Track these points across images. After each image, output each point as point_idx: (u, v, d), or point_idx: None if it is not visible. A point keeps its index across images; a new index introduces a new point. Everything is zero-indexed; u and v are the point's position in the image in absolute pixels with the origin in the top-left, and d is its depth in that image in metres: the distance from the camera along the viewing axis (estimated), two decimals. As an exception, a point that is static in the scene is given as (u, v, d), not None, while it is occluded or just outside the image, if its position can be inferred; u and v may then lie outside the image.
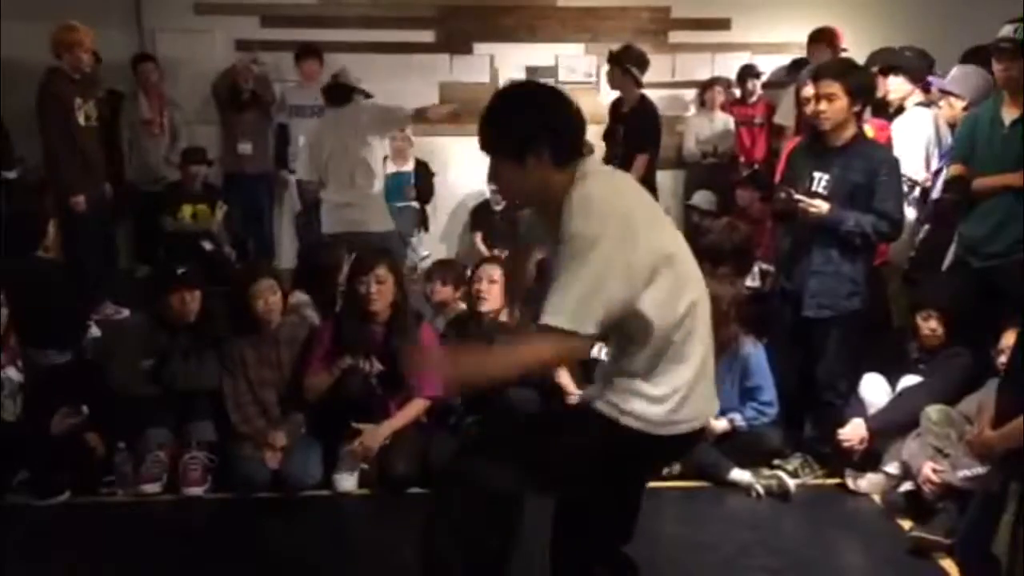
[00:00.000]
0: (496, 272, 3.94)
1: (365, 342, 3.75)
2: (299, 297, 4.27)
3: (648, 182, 5.33)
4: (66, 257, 5.34)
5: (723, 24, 7.17)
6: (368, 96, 5.09)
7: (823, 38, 5.44)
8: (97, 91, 5.52)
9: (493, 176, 2.21)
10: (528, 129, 2.07)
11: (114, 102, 6.42)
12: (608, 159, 5.97)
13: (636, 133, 5.39)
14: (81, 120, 5.20)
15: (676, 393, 2.16)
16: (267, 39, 6.89)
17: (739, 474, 3.68)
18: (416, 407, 3.80)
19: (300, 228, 6.95)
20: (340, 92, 4.93)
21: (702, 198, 6.17)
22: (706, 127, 6.76)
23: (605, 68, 5.66)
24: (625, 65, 5.36)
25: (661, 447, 2.22)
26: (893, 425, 3.57)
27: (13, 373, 3.75)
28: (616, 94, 5.69)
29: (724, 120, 6.80)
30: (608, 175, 2.22)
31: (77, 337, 4.56)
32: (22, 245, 4.60)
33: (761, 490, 3.62)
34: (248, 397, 3.81)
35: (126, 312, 5.41)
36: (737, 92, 6.82)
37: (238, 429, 3.77)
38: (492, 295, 3.94)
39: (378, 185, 4.99)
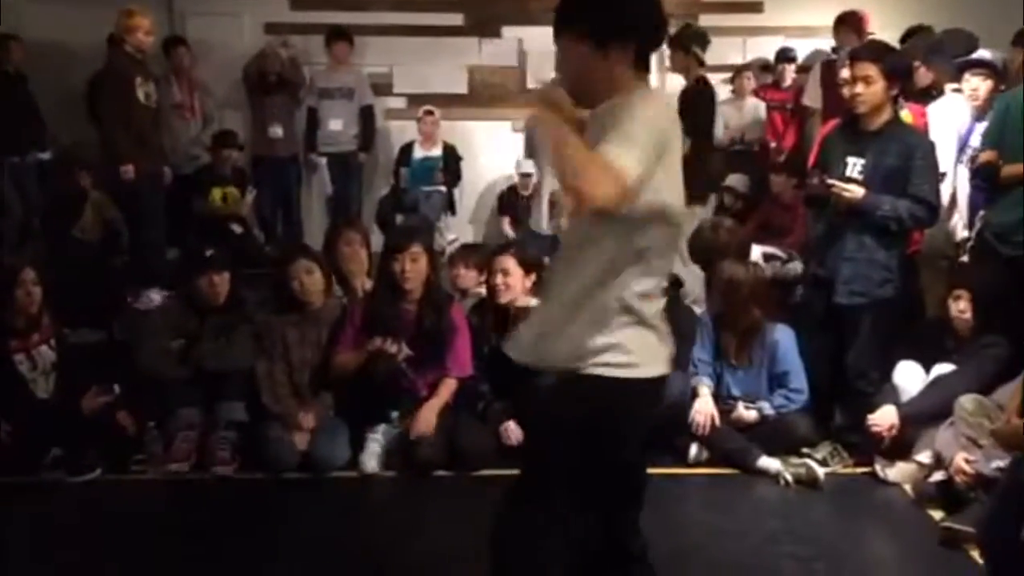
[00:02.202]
0: (510, 263, 3.91)
1: (396, 321, 3.76)
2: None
3: (700, 164, 5.28)
4: (124, 235, 5.44)
5: (755, 7, 7.07)
6: None
7: (849, 22, 5.34)
8: (153, 73, 5.60)
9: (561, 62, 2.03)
10: (628, 15, 1.93)
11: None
12: None
13: (689, 117, 5.29)
14: (142, 98, 5.30)
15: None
16: (296, 22, 6.89)
17: (767, 462, 3.65)
18: (449, 387, 3.82)
19: (330, 211, 6.99)
20: None
21: (737, 180, 6.11)
22: (735, 114, 6.67)
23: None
24: (688, 46, 5.25)
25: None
26: (925, 413, 3.52)
27: (46, 351, 3.80)
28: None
29: (754, 106, 6.71)
30: None
31: (111, 317, 4.62)
32: (58, 226, 4.67)
33: (790, 478, 3.59)
34: (282, 377, 3.84)
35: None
36: (770, 77, 6.71)
37: (269, 409, 3.80)
38: (508, 287, 3.91)
39: None
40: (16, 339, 3.73)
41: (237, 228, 6.27)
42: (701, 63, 5.31)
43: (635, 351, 2.00)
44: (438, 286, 3.95)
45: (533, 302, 3.79)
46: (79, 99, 6.20)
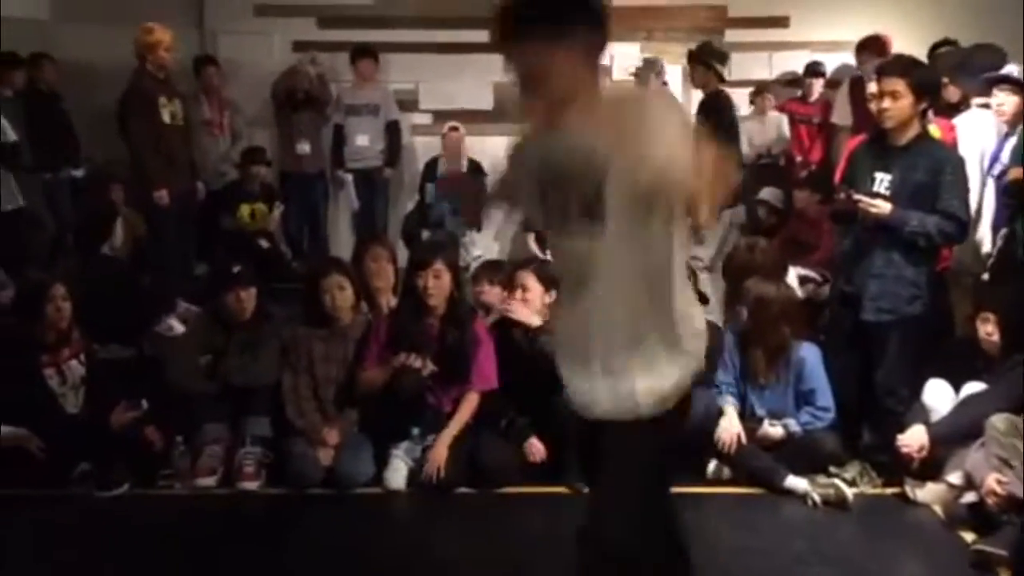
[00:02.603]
0: (530, 279, 3.90)
1: (421, 337, 3.77)
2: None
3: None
4: (151, 253, 5.49)
5: (781, 22, 7.04)
6: None
7: (872, 46, 5.33)
8: (180, 90, 5.64)
9: (519, 74, 1.85)
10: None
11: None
12: None
13: (710, 127, 5.31)
14: (166, 118, 5.32)
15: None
16: (324, 40, 6.96)
17: (795, 481, 3.60)
18: (470, 404, 3.81)
19: (357, 227, 7.04)
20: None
21: (771, 194, 6.09)
22: (759, 129, 6.64)
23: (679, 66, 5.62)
24: (708, 61, 5.29)
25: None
26: (956, 433, 3.46)
27: (76, 366, 3.85)
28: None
29: (777, 121, 6.68)
30: None
31: (140, 333, 4.68)
32: (89, 242, 4.74)
33: (817, 498, 3.54)
34: (307, 392, 3.86)
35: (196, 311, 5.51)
36: (797, 91, 6.68)
37: (294, 423, 3.82)
38: (527, 302, 3.89)
39: None
40: (46, 354, 3.78)
41: (264, 243, 6.33)
42: (721, 79, 5.34)
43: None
44: (462, 301, 3.95)
45: (536, 320, 3.79)
46: (111, 117, 6.27)
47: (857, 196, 3.50)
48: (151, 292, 4.84)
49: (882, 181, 3.52)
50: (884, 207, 3.45)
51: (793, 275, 4.35)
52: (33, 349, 3.76)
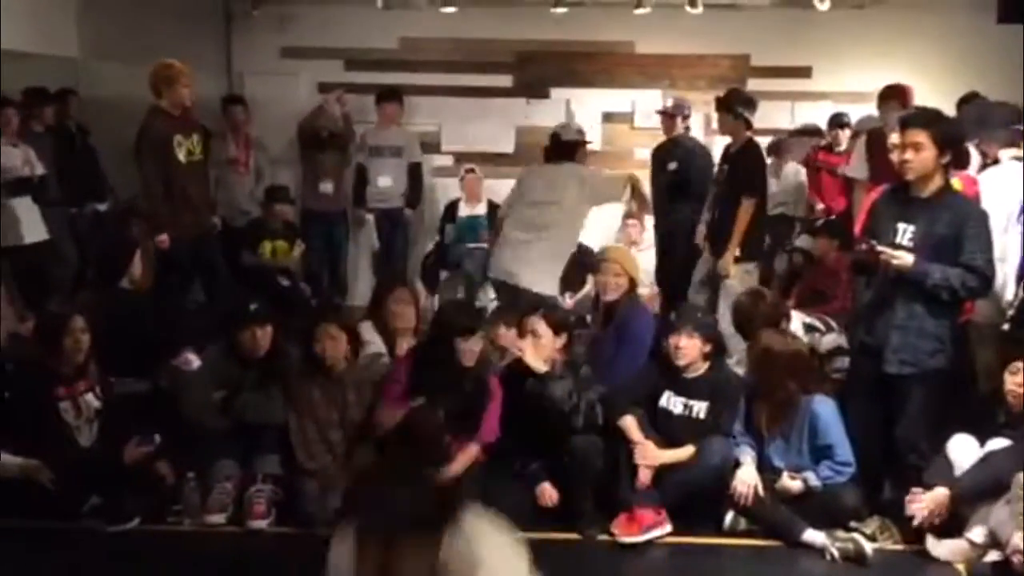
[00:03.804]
0: (540, 325, 3.88)
1: (443, 388, 3.76)
2: (366, 330, 4.32)
3: (756, 227, 5.28)
4: (160, 289, 5.47)
5: (804, 72, 7.09)
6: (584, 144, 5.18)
7: (894, 95, 5.33)
8: (198, 126, 5.53)
9: None
10: None
11: (203, 140, 6.64)
12: (656, 203, 5.94)
13: (740, 174, 5.34)
14: (181, 157, 5.17)
15: None
16: (350, 82, 7.06)
17: (813, 535, 3.53)
18: (469, 455, 3.78)
19: (377, 266, 7.08)
20: (558, 151, 5.07)
21: (807, 242, 6.07)
22: (773, 181, 6.65)
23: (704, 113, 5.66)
24: (736, 109, 5.32)
25: None
26: (978, 490, 3.39)
27: (91, 399, 3.86)
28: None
29: (794, 172, 6.68)
30: None
31: (155, 367, 4.68)
32: (108, 275, 4.77)
33: (836, 553, 3.46)
34: (315, 435, 3.85)
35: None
36: (821, 140, 6.68)
37: (304, 466, 3.80)
38: (536, 349, 3.85)
39: (547, 249, 4.98)
40: (62, 386, 3.79)
41: (284, 281, 6.36)
42: (749, 126, 5.34)
43: None
44: (485, 359, 3.96)
45: (543, 367, 3.77)
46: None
47: (880, 247, 3.47)
48: (168, 327, 4.84)
49: (905, 232, 3.49)
50: (907, 259, 3.43)
51: (798, 322, 4.31)
52: (50, 381, 3.77)
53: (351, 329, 4.07)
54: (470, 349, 3.78)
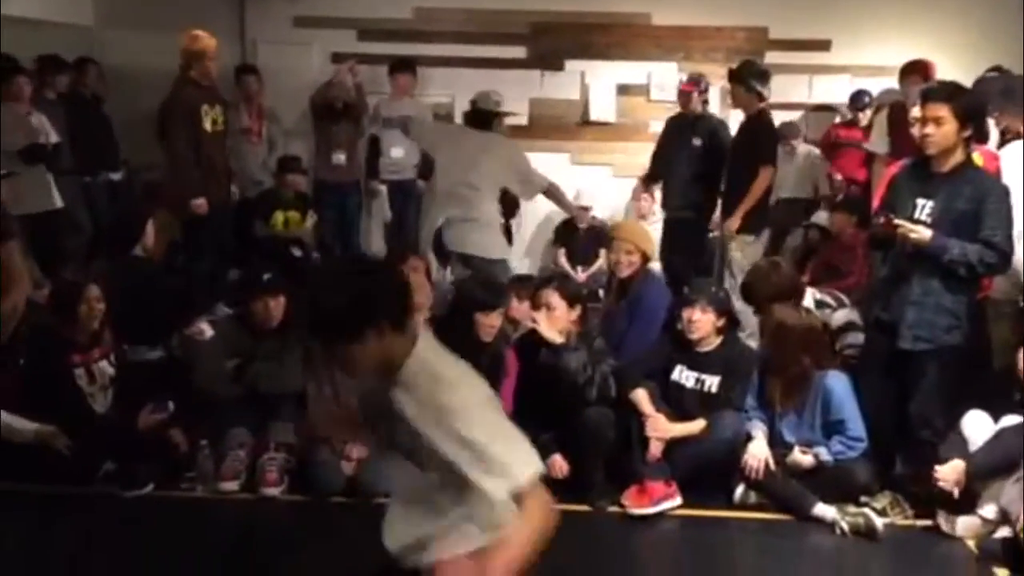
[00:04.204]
0: (554, 297, 3.86)
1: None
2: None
3: (769, 187, 5.30)
4: (186, 257, 5.54)
5: (823, 45, 6.98)
6: (503, 116, 5.16)
7: (916, 70, 5.25)
8: (221, 98, 5.67)
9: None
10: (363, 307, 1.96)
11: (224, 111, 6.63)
12: (653, 176, 5.89)
13: (751, 146, 5.31)
14: (207, 126, 5.38)
15: None
16: (363, 52, 7.01)
17: (823, 509, 3.53)
18: None
19: (389, 238, 7.06)
20: (478, 117, 5.04)
21: (822, 218, 6.03)
22: (787, 165, 6.60)
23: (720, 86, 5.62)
24: (749, 82, 5.27)
25: None
26: (991, 467, 3.37)
27: (105, 367, 3.89)
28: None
29: (806, 154, 6.61)
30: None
31: (169, 335, 4.70)
32: (121, 244, 4.78)
33: (846, 527, 3.46)
34: (331, 402, 3.86)
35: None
36: (848, 114, 6.60)
37: (318, 431, 3.81)
38: (550, 322, 3.83)
39: (483, 214, 4.99)
40: (77, 353, 3.81)
41: (297, 251, 6.36)
42: (762, 99, 5.29)
43: None
44: (502, 334, 3.95)
45: (559, 339, 3.76)
46: (150, 122, 6.38)
47: (897, 221, 3.44)
48: (181, 295, 4.87)
49: (924, 208, 3.45)
50: (924, 233, 3.39)
51: (810, 297, 4.28)
52: (65, 348, 3.80)
53: None
54: (489, 324, 3.77)
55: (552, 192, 5.28)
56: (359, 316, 1.94)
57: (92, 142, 6.27)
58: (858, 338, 4.10)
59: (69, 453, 3.62)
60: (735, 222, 5.23)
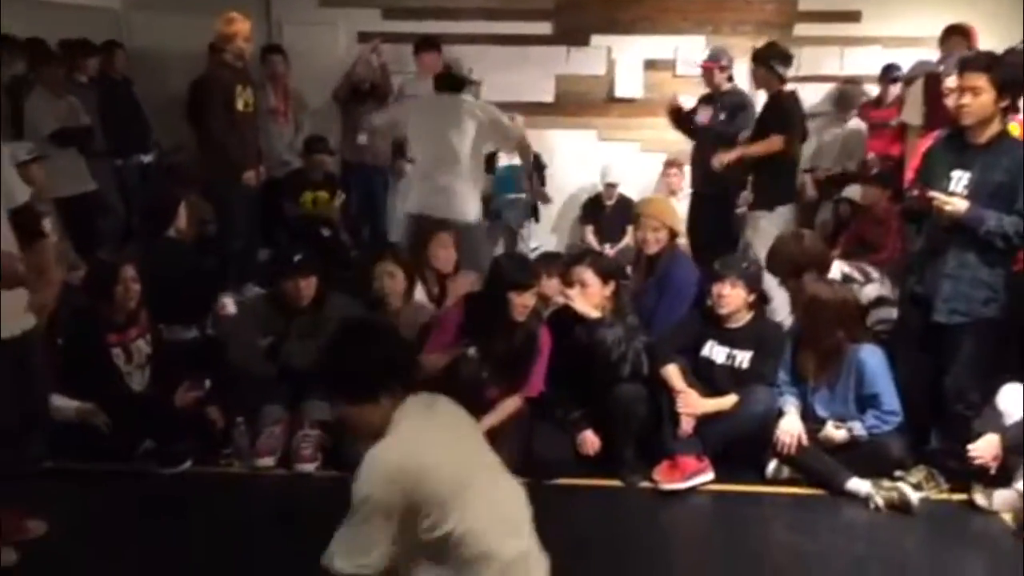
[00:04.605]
0: (587, 274, 3.85)
1: (493, 340, 3.77)
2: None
3: (782, 174, 5.28)
4: (219, 238, 5.62)
5: (853, 16, 6.88)
6: (476, 83, 5.17)
7: (958, 33, 5.15)
8: (252, 79, 5.74)
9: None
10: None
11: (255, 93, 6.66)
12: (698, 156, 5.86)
13: (773, 124, 5.29)
14: (240, 106, 5.46)
15: None
16: (388, 31, 7.01)
17: (857, 484, 3.52)
18: (510, 405, 3.77)
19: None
20: (450, 82, 5.01)
21: (854, 191, 5.97)
22: (840, 140, 6.52)
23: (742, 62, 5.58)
24: (769, 63, 5.26)
25: None
26: (1028, 441, 3.35)
27: (142, 345, 3.94)
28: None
29: (855, 128, 6.52)
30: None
31: (203, 315, 4.76)
32: (155, 226, 4.84)
33: (880, 502, 3.45)
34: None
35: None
36: (875, 92, 6.50)
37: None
38: (583, 298, 3.84)
39: (466, 176, 4.99)
40: (114, 333, 3.87)
41: (326, 231, 6.39)
42: (782, 80, 5.28)
43: None
44: (536, 311, 3.95)
45: (595, 313, 3.76)
46: (179, 104, 6.43)
47: (933, 193, 3.39)
48: (214, 276, 4.93)
49: (960, 180, 3.41)
50: (960, 205, 3.35)
51: (837, 270, 4.26)
52: (102, 328, 3.85)
53: (408, 268, 4.07)
54: (523, 304, 3.76)
55: (522, 144, 5.31)
56: (382, 379, 2.15)
57: (123, 125, 6.33)
58: (890, 313, 4.07)
59: (108, 430, 3.70)
60: (728, 156, 5.27)
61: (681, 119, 5.90)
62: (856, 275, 4.31)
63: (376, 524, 2.14)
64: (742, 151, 5.31)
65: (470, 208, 5.02)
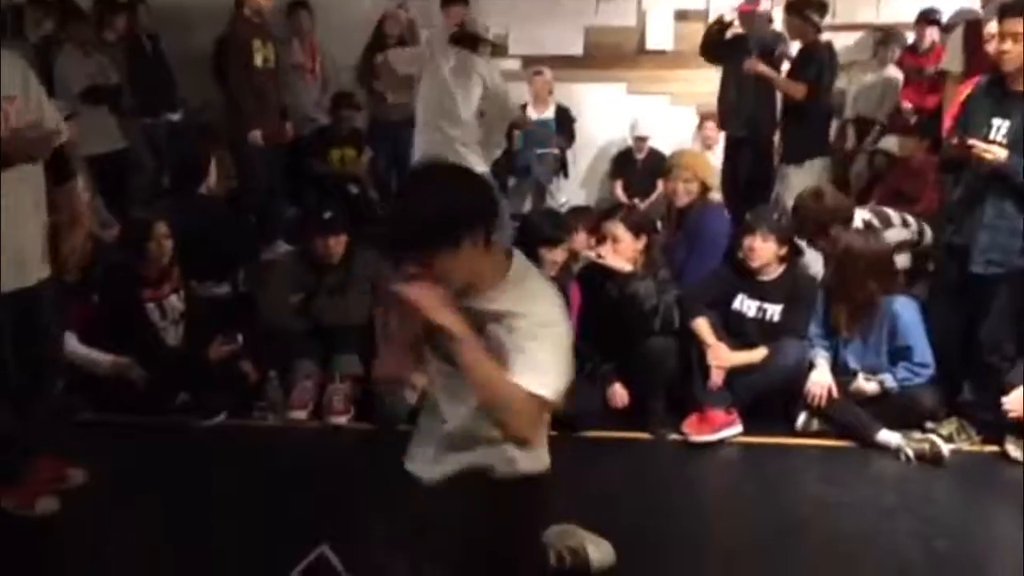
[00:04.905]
0: (619, 229, 3.83)
1: None
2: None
3: (820, 114, 5.22)
4: (242, 192, 5.66)
5: (890, -38, 6.68)
6: (492, 43, 5.13)
7: None
8: (272, 34, 5.74)
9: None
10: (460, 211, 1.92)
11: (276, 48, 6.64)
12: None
13: (800, 70, 5.23)
14: (259, 62, 5.47)
15: None
16: (415, -16, 6.92)
17: (888, 436, 3.50)
18: None
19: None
20: (465, 38, 5.01)
21: (890, 143, 5.87)
22: (874, 86, 6.36)
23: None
24: (804, 12, 5.18)
25: None
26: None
27: (176, 301, 4.00)
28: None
29: (891, 77, 6.36)
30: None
31: (235, 271, 4.82)
32: (186, 183, 4.88)
33: (911, 453, 3.43)
34: (396, 328, 3.90)
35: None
36: (910, 38, 6.33)
37: (383, 369, 3.86)
38: (616, 254, 3.82)
39: (470, 132, 4.98)
40: (148, 289, 3.92)
41: (354, 188, 6.41)
42: (817, 29, 5.19)
43: None
44: (567, 266, 3.95)
45: (628, 267, 3.75)
46: (205, 61, 6.42)
47: (972, 142, 3.32)
48: (245, 232, 4.98)
49: (999, 128, 3.33)
50: (1000, 153, 3.28)
51: (858, 218, 4.19)
52: (136, 284, 3.91)
53: None
54: (553, 259, 3.76)
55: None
56: (459, 221, 1.88)
57: (151, 83, 6.35)
58: (904, 261, 4.02)
59: (144, 384, 3.77)
60: (760, 67, 5.21)
61: (717, 45, 5.74)
62: (875, 221, 4.24)
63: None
64: (773, 74, 5.21)
65: (473, 161, 4.95)
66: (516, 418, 1.92)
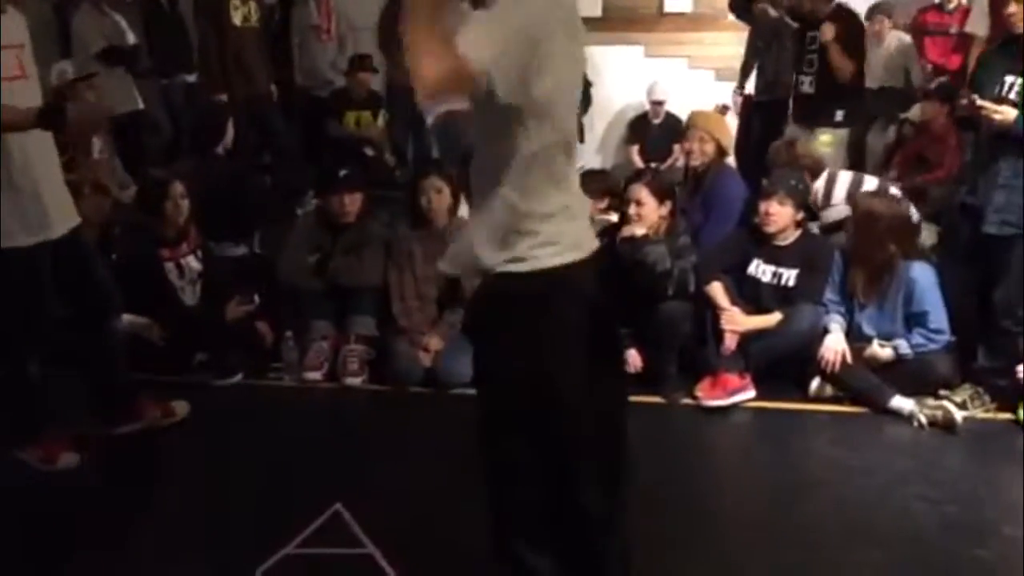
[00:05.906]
0: (643, 192, 3.80)
1: None
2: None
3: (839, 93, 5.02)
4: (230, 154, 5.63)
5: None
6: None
7: None
8: None
9: None
10: None
11: (286, 6, 6.61)
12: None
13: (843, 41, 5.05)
14: (236, 20, 5.33)
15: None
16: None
17: (901, 402, 3.50)
18: None
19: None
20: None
21: (917, 112, 5.78)
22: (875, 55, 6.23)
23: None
24: None
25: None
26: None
27: (193, 262, 4.02)
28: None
29: (897, 40, 6.23)
30: None
31: (251, 232, 4.84)
32: (203, 144, 4.89)
33: (924, 420, 3.43)
34: (411, 291, 3.94)
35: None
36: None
37: (398, 321, 3.91)
38: (641, 217, 3.80)
39: None
40: (166, 249, 3.95)
41: (369, 151, 6.40)
42: None
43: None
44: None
45: (639, 231, 3.73)
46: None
47: (981, 102, 3.28)
48: (263, 193, 4.98)
49: (1012, 86, 3.29)
50: (1009, 113, 3.24)
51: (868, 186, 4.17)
52: (154, 244, 3.94)
53: (454, 184, 4.07)
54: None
55: None
56: None
57: (168, 44, 6.34)
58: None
59: (162, 343, 3.81)
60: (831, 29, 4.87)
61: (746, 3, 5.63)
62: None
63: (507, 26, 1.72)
64: (836, 46, 4.86)
65: None
66: (417, 62, 1.69)
